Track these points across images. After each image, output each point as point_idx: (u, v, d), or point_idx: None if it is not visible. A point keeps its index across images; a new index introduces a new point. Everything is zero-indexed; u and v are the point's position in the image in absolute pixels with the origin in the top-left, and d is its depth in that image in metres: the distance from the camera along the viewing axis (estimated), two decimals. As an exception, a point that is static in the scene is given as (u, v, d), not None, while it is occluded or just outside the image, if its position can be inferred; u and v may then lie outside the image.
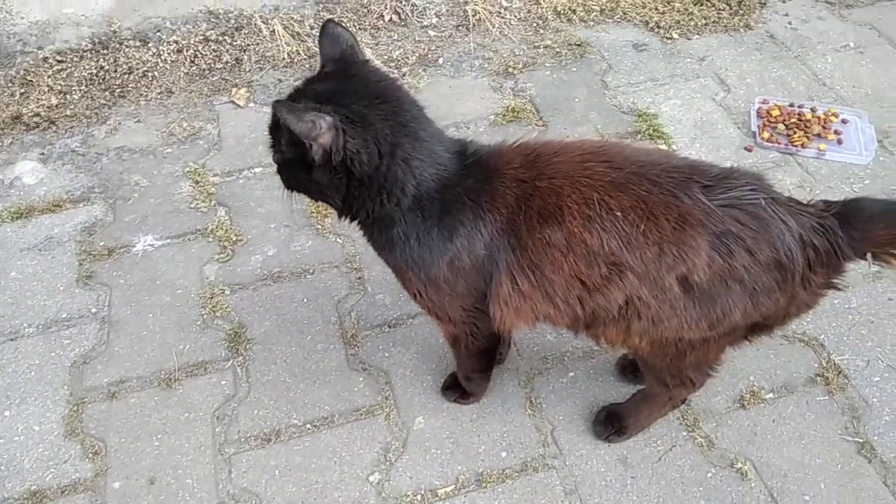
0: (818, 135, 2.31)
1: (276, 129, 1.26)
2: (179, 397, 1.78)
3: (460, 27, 2.85)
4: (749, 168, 2.25)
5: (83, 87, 2.62)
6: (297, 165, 1.24)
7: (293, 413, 1.74)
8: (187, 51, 2.70)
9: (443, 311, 1.44)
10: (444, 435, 1.69)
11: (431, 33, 2.84)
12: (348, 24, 2.81)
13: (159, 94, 2.63)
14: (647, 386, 1.59)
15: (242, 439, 1.70)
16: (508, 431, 1.69)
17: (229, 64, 2.71)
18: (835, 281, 1.26)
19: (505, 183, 1.28)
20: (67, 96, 2.59)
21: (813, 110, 2.39)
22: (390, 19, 2.85)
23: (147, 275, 2.06)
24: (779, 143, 2.30)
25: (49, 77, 2.61)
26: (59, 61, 2.66)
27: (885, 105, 2.46)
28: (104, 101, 2.59)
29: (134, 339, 1.90)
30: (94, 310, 1.98)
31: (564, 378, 1.78)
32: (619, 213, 1.18)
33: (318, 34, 1.34)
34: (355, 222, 1.39)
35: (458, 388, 1.73)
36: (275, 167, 1.34)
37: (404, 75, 2.65)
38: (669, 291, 1.20)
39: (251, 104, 2.59)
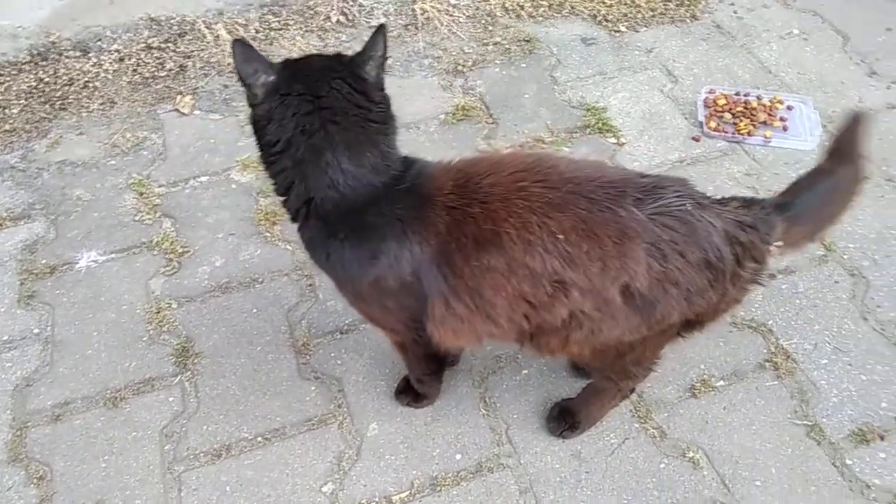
0: (764, 122, 2.33)
1: None
2: (126, 416, 1.74)
3: (409, 26, 2.83)
4: (697, 157, 2.28)
5: (22, 101, 2.54)
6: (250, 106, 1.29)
7: (244, 426, 1.71)
8: (129, 59, 2.64)
9: (378, 321, 1.45)
10: (398, 440, 1.67)
11: (379, 34, 2.80)
12: (294, 27, 2.78)
13: (101, 104, 2.56)
14: (594, 381, 1.59)
15: (192, 456, 1.66)
16: (463, 433, 1.68)
17: (173, 71, 2.66)
18: (759, 275, 1.29)
19: (435, 211, 1.26)
20: (6, 111, 2.52)
21: (759, 98, 2.41)
22: (337, 21, 2.82)
23: (91, 292, 2.00)
24: (725, 132, 2.32)
25: (-14, 92, 2.54)
26: (-5, 75, 2.59)
27: (828, 91, 2.49)
28: (44, 115, 2.53)
29: (78, 359, 1.85)
30: (36, 330, 1.92)
31: (518, 376, 1.77)
32: (560, 236, 1.18)
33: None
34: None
35: (410, 392, 1.71)
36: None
37: (353, 77, 2.62)
38: (612, 303, 1.22)
39: (196, 111, 2.54)
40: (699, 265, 1.20)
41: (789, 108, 2.39)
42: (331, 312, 1.93)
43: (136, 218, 2.19)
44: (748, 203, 1.29)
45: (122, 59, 2.64)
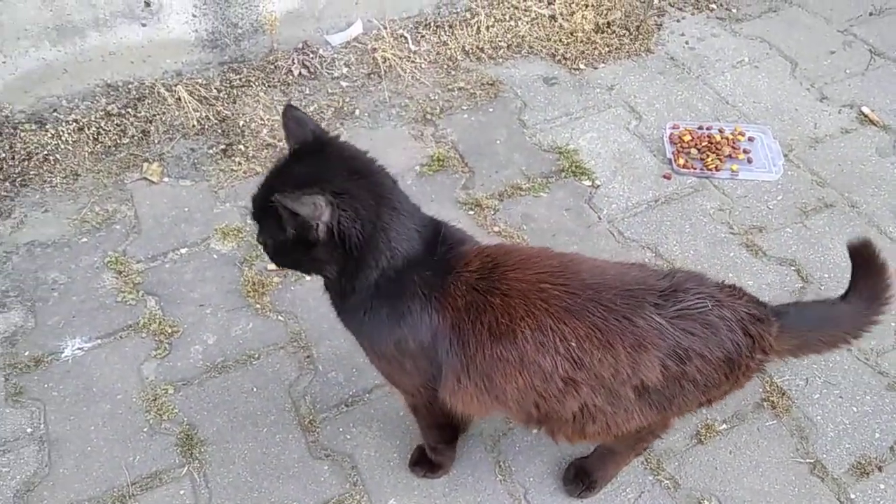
0: (729, 156, 2.43)
1: (264, 215, 1.28)
2: (137, 516, 1.70)
3: (371, 75, 2.83)
4: (670, 196, 2.35)
5: (-21, 180, 2.45)
6: (297, 246, 1.25)
7: (260, 515, 1.70)
8: (89, 129, 2.56)
9: (396, 381, 1.48)
10: (418, 515, 1.69)
11: (343, 84, 2.81)
12: (256, 83, 2.75)
13: (65, 178, 2.48)
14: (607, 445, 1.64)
15: (211, 552, 1.64)
16: (482, 500, 1.70)
17: (136, 137, 2.59)
18: (763, 366, 1.37)
19: (457, 284, 1.29)
20: (-38, 191, 2.42)
21: (721, 131, 2.51)
22: (299, 73, 2.80)
23: (81, 382, 1.95)
24: (694, 169, 2.41)
25: (-62, 172, 2.43)
26: (-53, 154, 2.48)
27: (784, 118, 2.61)
28: (5, 193, 2.43)
29: (79, 458, 1.80)
30: (29, 430, 1.85)
31: (529, 436, 1.80)
32: (573, 343, 1.22)
33: (281, 119, 1.39)
34: (328, 292, 1.42)
35: (425, 463, 1.73)
36: (261, 248, 1.40)
37: (322, 131, 2.61)
38: (625, 398, 1.27)
39: (165, 178, 2.49)
40: (719, 362, 1.26)
41: (750, 139, 2.49)
42: (333, 384, 1.93)
43: (119, 299, 2.14)
44: (755, 299, 1.35)
45: (81, 129, 2.56)
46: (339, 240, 1.22)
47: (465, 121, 2.65)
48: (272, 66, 2.79)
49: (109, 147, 2.56)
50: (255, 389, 1.93)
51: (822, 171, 2.42)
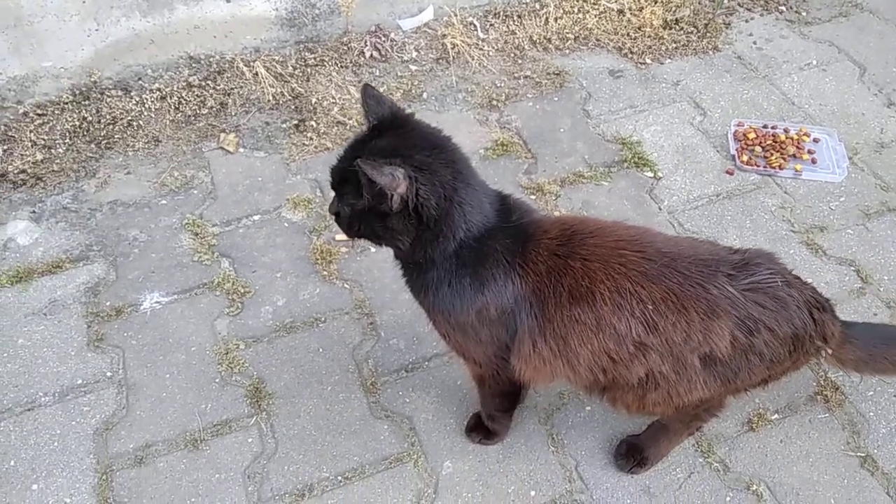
0: (793, 155, 2.44)
1: (343, 183, 1.35)
2: (208, 458, 1.81)
3: (440, 60, 2.91)
4: (732, 191, 2.38)
5: (67, 140, 2.59)
6: (371, 215, 1.31)
7: (323, 466, 1.79)
8: (171, 98, 2.70)
9: (468, 353, 1.52)
10: (472, 478, 1.76)
11: (413, 68, 2.89)
12: (330, 62, 2.84)
13: (146, 143, 2.62)
14: (662, 420, 1.68)
15: (276, 497, 1.74)
16: (534, 469, 1.77)
17: (214, 109, 2.72)
18: (821, 353, 1.43)
19: (538, 251, 1.35)
20: (52, 151, 2.56)
21: (786, 131, 2.52)
22: (370, 56, 2.89)
23: (158, 333, 2.07)
24: (758, 166, 2.42)
25: (31, 132, 2.58)
26: (39, 115, 2.63)
27: (850, 122, 2.60)
28: (90, 154, 2.58)
29: (154, 402, 1.92)
30: (109, 373, 1.98)
31: (582, 412, 1.86)
32: (650, 305, 1.28)
33: (358, 97, 1.52)
34: (400, 264, 1.48)
35: (481, 429, 1.80)
36: (333, 217, 1.45)
37: (391, 112, 2.70)
38: (691, 367, 1.32)
39: (241, 149, 2.61)
40: (786, 338, 1.31)
41: (816, 140, 2.50)
42: (394, 351, 2.01)
43: (195, 258, 2.25)
44: (819, 292, 1.41)
45: (163, 98, 2.70)
46: (413, 212, 1.28)
47: (530, 108, 2.71)
48: (345, 48, 2.89)
49: (189, 116, 2.69)
50: (320, 350, 2.02)
51: (886, 175, 2.41)
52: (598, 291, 1.30)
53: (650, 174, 2.45)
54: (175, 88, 2.72)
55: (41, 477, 1.78)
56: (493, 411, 1.73)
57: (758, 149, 2.46)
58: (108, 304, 2.14)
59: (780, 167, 2.41)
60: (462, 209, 1.32)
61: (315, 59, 2.84)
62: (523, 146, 2.57)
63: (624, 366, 1.34)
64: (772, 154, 2.43)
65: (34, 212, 2.41)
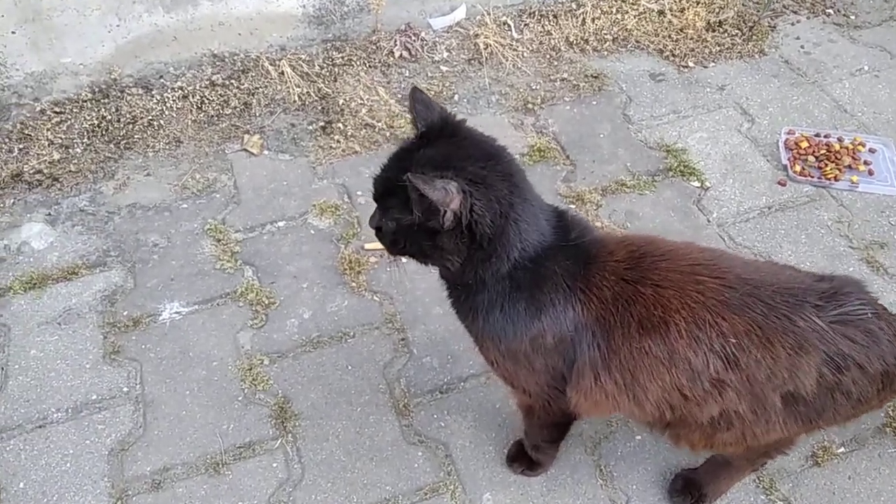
0: (849, 166, 2.30)
1: (388, 196, 1.21)
2: (230, 484, 1.69)
3: (472, 61, 2.79)
4: (785, 203, 2.24)
5: (85, 140, 2.49)
6: (419, 232, 1.18)
7: (353, 496, 1.67)
8: (193, 97, 2.59)
9: (518, 382, 1.39)
10: (514, 511, 1.63)
11: (444, 68, 2.77)
12: (358, 62, 2.73)
13: (167, 143, 2.51)
14: (725, 455, 1.55)
15: (303, 527, 1.62)
16: None
17: (238, 109, 2.60)
18: None
19: (603, 275, 1.23)
20: (69, 150, 2.46)
21: (840, 140, 2.38)
22: (400, 55, 2.77)
23: (178, 346, 1.95)
24: (811, 177, 2.29)
25: (48, 130, 2.47)
26: (57, 113, 2.52)
27: (908, 132, 2.46)
28: (109, 154, 2.47)
29: (173, 421, 1.80)
30: (125, 389, 1.87)
31: (632, 442, 1.73)
32: (732, 340, 1.15)
33: (407, 102, 1.34)
34: (445, 285, 1.35)
35: (524, 459, 1.67)
36: (374, 232, 1.30)
37: (421, 114, 2.58)
38: (771, 407, 1.19)
39: (265, 151, 2.50)
40: (876, 375, 1.18)
41: (871, 150, 2.36)
42: (428, 370, 1.89)
43: (217, 266, 2.14)
44: None
45: (185, 97, 2.59)
46: (466, 229, 1.15)
47: (567, 112, 2.58)
48: (374, 47, 2.77)
49: (212, 116, 2.58)
50: (349, 367, 1.90)
51: (949, 189, 2.27)
52: (672, 322, 1.17)
53: (697, 184, 2.31)
54: (198, 87, 2.61)
55: (52, 501, 1.67)
56: (540, 442, 1.61)
57: (811, 158, 2.33)
58: (125, 313, 2.03)
59: (836, 178, 2.27)
60: (518, 227, 1.19)
61: (343, 58, 2.73)
62: (561, 152, 2.44)
63: (696, 403, 1.21)
64: (826, 164, 2.30)
65: (49, 214, 2.30)
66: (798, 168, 2.30)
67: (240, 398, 1.84)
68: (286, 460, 1.73)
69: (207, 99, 2.60)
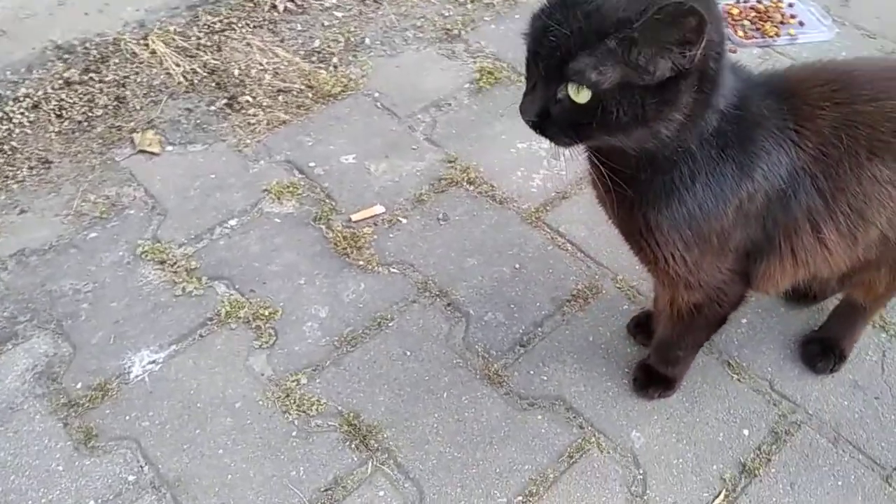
0: (781, 22, 2.34)
1: (575, 57, 0.88)
2: (339, 536, 1.30)
3: (367, 1, 2.46)
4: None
5: (-89, 191, 1.82)
6: (636, 90, 0.89)
7: (494, 492, 1.35)
8: (47, 103, 2.00)
9: (696, 275, 1.16)
10: (672, 440, 1.42)
11: (338, 14, 2.41)
12: (240, 24, 2.29)
13: (32, 168, 1.92)
14: (849, 304, 1.45)
15: (456, 551, 1.28)
16: (731, 406, 1.46)
17: (110, 107, 2.06)
18: None
19: (812, 104, 1.03)
20: None
21: (759, 1, 2.41)
22: (285, 8, 2.37)
23: (176, 401, 1.47)
24: (755, 38, 2.29)
25: None
26: None
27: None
28: (-45, 200, 1.83)
29: (218, 492, 1.35)
30: (132, 478, 1.37)
31: (741, 328, 1.58)
32: None
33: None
34: (607, 182, 1.03)
35: (658, 382, 1.46)
36: (532, 123, 1.00)
37: (336, 66, 2.22)
38: None
39: (168, 147, 2.00)
40: None
41: (790, 4, 2.41)
42: (495, 327, 1.60)
43: (177, 293, 1.66)
44: None
45: (36, 105, 2.00)
46: (697, 71, 0.90)
47: (495, 31, 2.36)
48: (252, 4, 2.34)
49: (80, 122, 2.02)
50: (407, 353, 1.55)
51: (865, 24, 2.39)
52: None
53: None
54: (49, 91, 2.03)
55: None
56: (686, 350, 1.39)
57: (746, 22, 2.33)
58: (77, 386, 1.50)
59: (777, 35, 2.29)
60: (722, 63, 0.95)
61: (220, 22, 2.27)
62: (512, 70, 2.21)
63: None
64: (763, 24, 2.31)
65: None
66: (741, 33, 2.29)
67: (293, 433, 1.43)
68: (391, 482, 1.36)
69: (67, 102, 2.02)
